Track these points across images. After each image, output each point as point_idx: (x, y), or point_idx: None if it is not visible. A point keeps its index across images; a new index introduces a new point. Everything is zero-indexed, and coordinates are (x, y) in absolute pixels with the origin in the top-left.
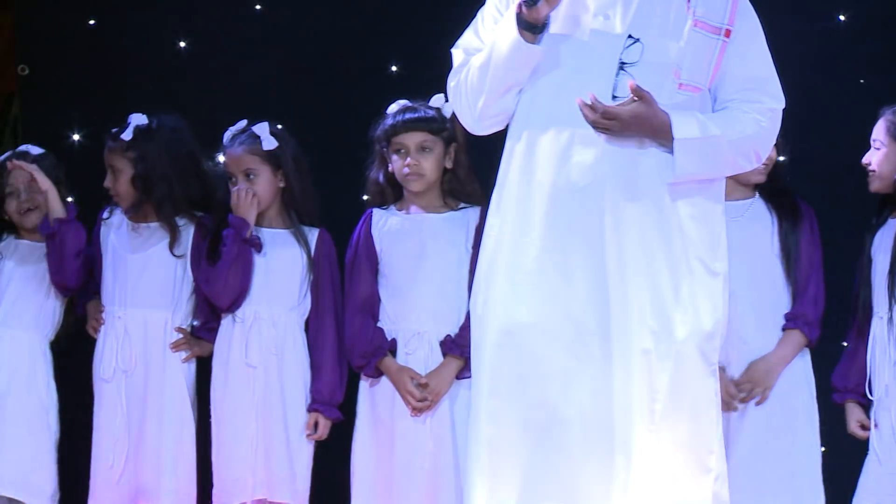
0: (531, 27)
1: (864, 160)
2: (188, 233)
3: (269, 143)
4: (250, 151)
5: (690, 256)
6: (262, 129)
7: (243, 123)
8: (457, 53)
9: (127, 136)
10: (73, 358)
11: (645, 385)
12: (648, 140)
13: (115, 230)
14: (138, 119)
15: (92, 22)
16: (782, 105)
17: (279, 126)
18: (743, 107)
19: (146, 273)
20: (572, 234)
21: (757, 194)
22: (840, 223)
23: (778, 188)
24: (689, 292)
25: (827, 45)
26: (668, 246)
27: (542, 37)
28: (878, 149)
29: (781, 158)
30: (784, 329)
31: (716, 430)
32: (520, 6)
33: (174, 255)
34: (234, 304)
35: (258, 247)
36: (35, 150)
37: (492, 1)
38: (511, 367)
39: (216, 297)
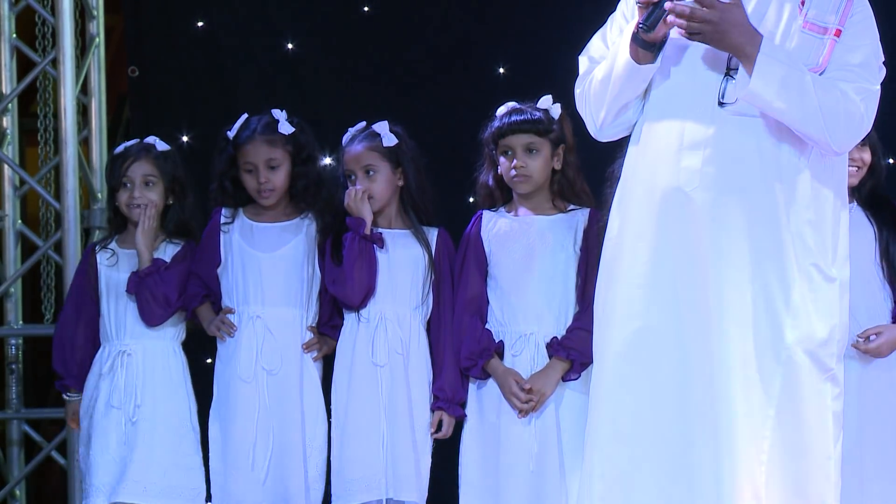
0: (649, 46)
1: None
2: (312, 229)
3: (390, 140)
4: (371, 148)
5: (804, 262)
6: (382, 127)
7: (363, 124)
8: (582, 61)
9: (286, 129)
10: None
11: (752, 392)
12: (756, 143)
13: (238, 231)
14: (280, 115)
15: (200, 24)
16: (876, 87)
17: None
18: (839, 83)
19: (280, 272)
20: (680, 241)
21: (855, 202)
22: None
23: (878, 195)
24: (801, 298)
25: None
26: (778, 251)
27: (659, 55)
28: None
29: (891, 161)
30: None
31: (829, 436)
32: (637, 28)
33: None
34: (364, 302)
35: (380, 242)
36: (162, 145)
37: (621, 7)
38: (628, 373)
39: (346, 296)
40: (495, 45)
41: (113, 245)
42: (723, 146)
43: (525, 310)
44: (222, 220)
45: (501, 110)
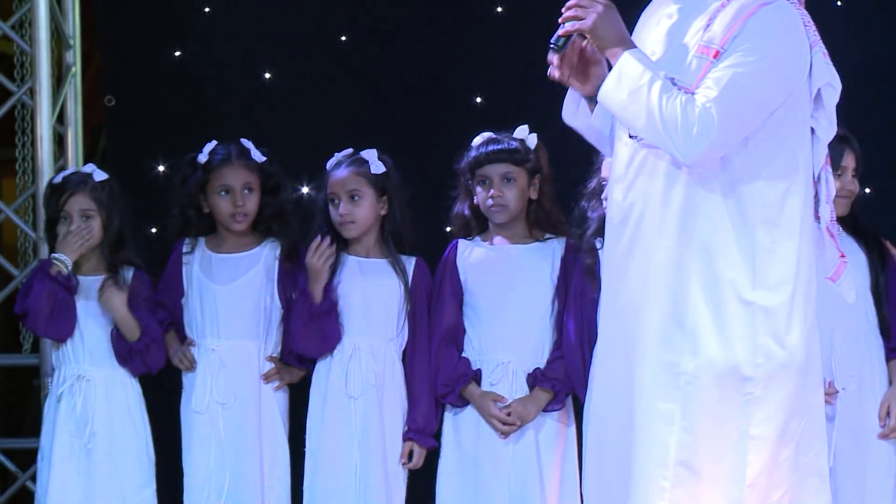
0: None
1: None
2: (271, 258)
3: (378, 168)
4: (358, 173)
5: (713, 286)
6: (370, 154)
7: (350, 150)
8: None
9: (258, 157)
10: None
11: (654, 420)
12: (665, 168)
13: (198, 262)
14: (249, 143)
15: (178, 53)
16: (712, 105)
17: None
18: (688, 94)
19: (237, 304)
20: (612, 270)
21: (840, 228)
22: None
23: (862, 223)
24: (706, 322)
25: None
26: (684, 275)
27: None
28: None
29: (868, 191)
30: (892, 359)
31: (744, 462)
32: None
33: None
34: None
35: (328, 309)
36: (100, 174)
37: None
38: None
39: (303, 354)
40: (471, 74)
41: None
42: (637, 179)
43: (503, 339)
44: (184, 249)
45: (477, 140)
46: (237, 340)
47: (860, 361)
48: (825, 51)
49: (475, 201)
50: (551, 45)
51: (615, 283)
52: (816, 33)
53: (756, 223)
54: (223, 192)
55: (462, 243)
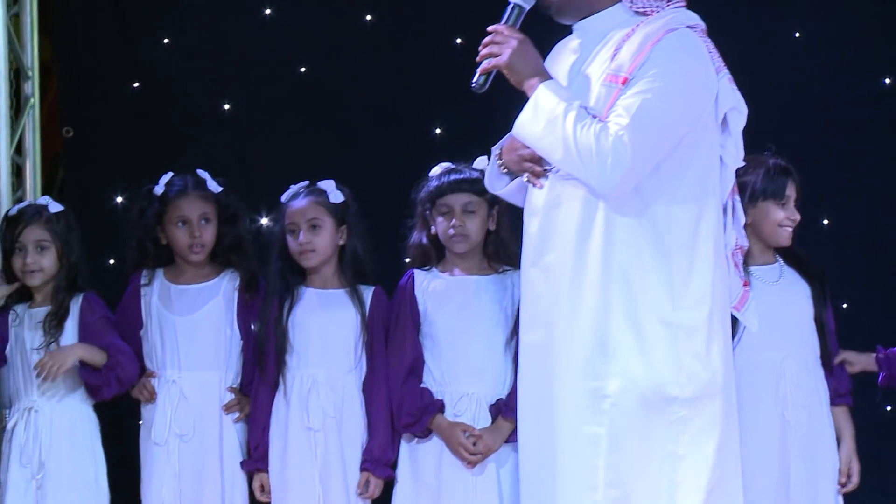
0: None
1: None
2: (231, 288)
3: (336, 197)
4: (317, 203)
5: (631, 307)
6: (328, 184)
7: (306, 182)
8: None
9: (214, 187)
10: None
11: (579, 443)
12: (583, 196)
13: (157, 294)
14: (205, 174)
15: (136, 85)
16: (625, 133)
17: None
18: (602, 122)
19: (197, 335)
20: (533, 298)
21: (779, 259)
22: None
23: (804, 255)
24: (626, 343)
25: (868, 108)
26: (604, 299)
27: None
28: None
29: (826, 222)
30: (837, 405)
31: (668, 481)
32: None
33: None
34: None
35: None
36: (55, 206)
37: None
38: None
39: None
40: (430, 105)
41: (17, 306)
42: (552, 211)
43: (466, 369)
44: (142, 281)
45: (436, 170)
46: (198, 371)
47: (810, 392)
48: (730, 76)
49: (433, 231)
50: (472, 85)
51: (537, 313)
52: (721, 59)
53: (671, 247)
54: (180, 224)
55: (419, 274)
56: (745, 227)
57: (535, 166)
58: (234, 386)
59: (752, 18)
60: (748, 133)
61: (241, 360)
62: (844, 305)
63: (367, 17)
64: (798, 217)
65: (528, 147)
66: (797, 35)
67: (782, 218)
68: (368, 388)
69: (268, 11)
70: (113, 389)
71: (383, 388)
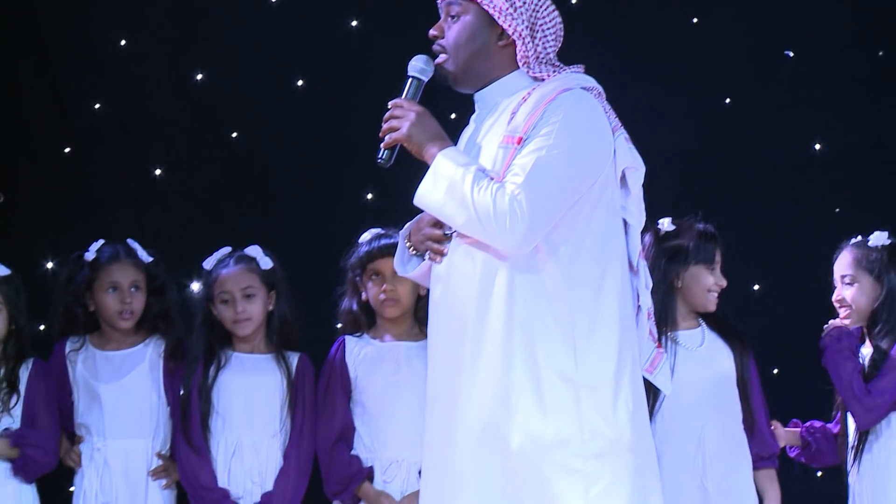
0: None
1: (836, 297)
2: (156, 354)
3: (266, 263)
4: (249, 270)
5: (532, 365)
6: (255, 250)
7: (227, 249)
8: None
9: (145, 257)
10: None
11: (490, 498)
12: (483, 259)
13: (83, 361)
14: (135, 244)
15: (67, 150)
16: (520, 192)
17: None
18: (500, 183)
19: (123, 402)
20: (438, 356)
21: (703, 323)
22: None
23: (719, 317)
24: (526, 401)
25: (802, 174)
26: (507, 358)
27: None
28: (849, 284)
29: (757, 287)
30: (760, 468)
31: None
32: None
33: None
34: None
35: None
36: (2, 270)
37: None
38: None
39: None
40: (361, 171)
41: None
42: (454, 273)
43: (396, 436)
44: (68, 348)
45: (366, 236)
46: (124, 439)
47: (731, 458)
48: (627, 136)
49: (364, 297)
50: (378, 161)
51: (440, 370)
52: (617, 119)
53: (574, 304)
54: (111, 290)
55: (350, 340)
56: (676, 290)
57: (434, 244)
58: (164, 452)
59: (684, 84)
60: (681, 197)
61: (171, 426)
62: (775, 371)
63: (298, 82)
64: (725, 283)
65: (432, 225)
66: (727, 101)
67: (712, 283)
68: (287, 453)
69: (199, 77)
70: (30, 477)
71: (301, 451)
